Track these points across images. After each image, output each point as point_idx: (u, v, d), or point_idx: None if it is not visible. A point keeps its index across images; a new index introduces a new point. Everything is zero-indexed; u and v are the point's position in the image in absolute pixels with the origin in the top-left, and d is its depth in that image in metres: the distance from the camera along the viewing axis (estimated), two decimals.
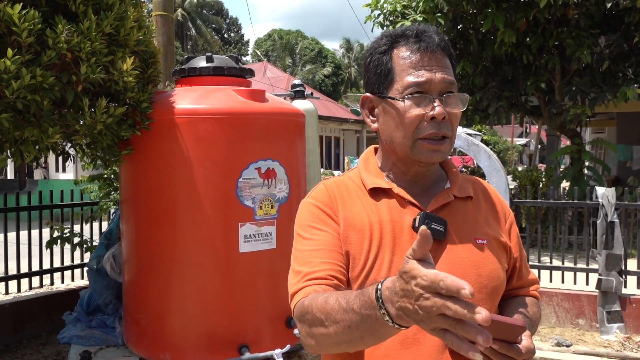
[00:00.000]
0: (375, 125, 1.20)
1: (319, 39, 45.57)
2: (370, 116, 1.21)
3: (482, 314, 0.70)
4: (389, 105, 1.14)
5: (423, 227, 0.77)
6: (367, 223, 1.13)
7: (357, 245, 1.11)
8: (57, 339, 3.90)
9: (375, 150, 1.27)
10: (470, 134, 17.17)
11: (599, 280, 4.64)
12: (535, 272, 5.12)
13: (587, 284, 4.93)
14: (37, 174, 17.83)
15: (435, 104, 1.09)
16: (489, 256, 1.14)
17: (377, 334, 0.87)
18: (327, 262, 1.07)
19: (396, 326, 0.82)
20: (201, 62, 3.38)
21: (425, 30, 1.14)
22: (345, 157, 23.30)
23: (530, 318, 1.18)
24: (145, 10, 3.48)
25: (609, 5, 6.37)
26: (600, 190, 4.83)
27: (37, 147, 2.85)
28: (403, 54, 1.12)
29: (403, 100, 1.10)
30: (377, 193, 1.18)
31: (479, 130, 28.35)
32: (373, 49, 1.18)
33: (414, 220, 1.11)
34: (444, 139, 1.11)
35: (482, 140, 27.79)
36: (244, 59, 42.95)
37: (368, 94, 1.19)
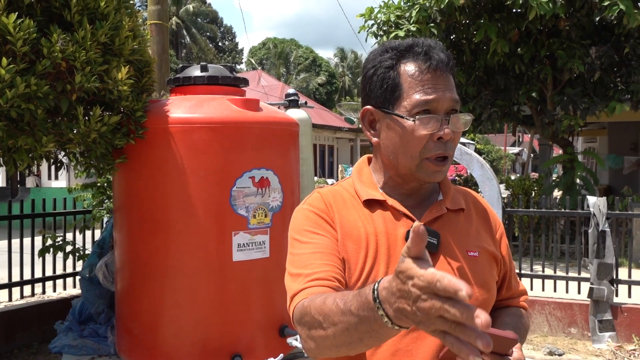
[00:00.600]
0: (375, 139, 1.17)
1: (313, 47, 45.74)
2: (371, 130, 1.18)
3: (481, 318, 0.68)
4: (394, 123, 1.12)
5: (416, 223, 0.74)
6: (364, 233, 1.13)
7: (353, 255, 1.11)
8: (48, 349, 3.87)
9: (369, 160, 1.26)
10: (463, 143, 17.25)
11: (591, 289, 4.67)
12: (527, 280, 5.17)
13: (579, 292, 4.96)
14: (30, 182, 17.73)
15: (444, 125, 1.10)
16: (481, 268, 1.15)
17: (377, 336, 0.86)
18: (327, 264, 1.06)
19: (396, 327, 0.80)
20: (196, 72, 3.40)
21: (432, 46, 1.13)
22: (339, 166, 23.33)
23: (519, 329, 1.19)
24: (140, 19, 3.50)
25: (597, 18, 6.46)
26: (591, 199, 4.87)
27: (30, 155, 2.85)
28: (411, 71, 1.11)
29: (413, 119, 1.09)
30: (371, 204, 1.17)
31: (473, 139, 28.49)
32: (378, 61, 1.15)
33: (407, 232, 1.11)
34: (445, 159, 1.12)
35: (476, 149, 27.94)
36: (238, 67, 43.05)
37: (370, 107, 1.16)
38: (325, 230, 1.12)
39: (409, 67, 1.12)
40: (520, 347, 1.04)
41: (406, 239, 1.11)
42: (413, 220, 1.15)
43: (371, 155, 1.27)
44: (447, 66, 1.12)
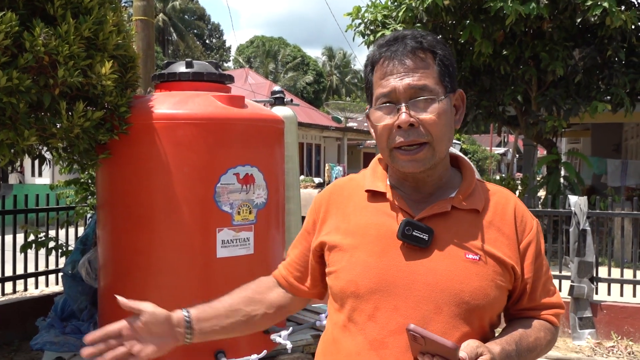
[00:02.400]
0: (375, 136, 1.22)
1: (301, 46, 45.71)
2: (372, 128, 1.21)
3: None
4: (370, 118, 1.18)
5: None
6: (353, 225, 1.18)
7: (335, 241, 1.20)
8: (29, 346, 3.84)
9: None
10: None
11: (571, 287, 4.74)
12: None
13: (559, 290, 5.03)
14: (12, 178, 17.49)
15: (401, 112, 1.09)
16: (478, 273, 1.11)
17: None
18: (289, 262, 1.38)
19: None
20: (181, 68, 3.39)
21: (402, 36, 1.13)
22: (326, 165, 23.35)
23: (527, 341, 1.14)
24: (126, 15, 3.48)
25: (578, 20, 6.55)
26: (572, 199, 4.94)
27: (12, 150, 2.83)
28: (377, 66, 1.14)
29: (376, 112, 1.13)
30: (374, 195, 1.21)
31: (459, 139, 28.69)
32: (366, 60, 1.21)
33: (400, 224, 1.12)
34: (421, 147, 1.10)
35: (462, 149, 28.13)
36: (225, 65, 42.88)
37: (368, 107, 1.21)
38: (307, 226, 1.33)
39: (377, 62, 1.15)
40: (492, 359, 1.02)
41: (398, 231, 1.12)
42: (409, 215, 1.15)
43: None
44: (411, 52, 1.10)
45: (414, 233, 1.10)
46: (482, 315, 1.12)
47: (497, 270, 1.12)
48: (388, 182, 1.21)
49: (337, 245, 1.19)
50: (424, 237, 1.10)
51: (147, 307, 1.21)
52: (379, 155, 1.28)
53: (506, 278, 1.14)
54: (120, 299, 1.21)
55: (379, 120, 1.13)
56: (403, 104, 1.09)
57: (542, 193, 9.42)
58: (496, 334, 1.17)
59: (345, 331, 1.16)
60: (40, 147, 3.22)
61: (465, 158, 1.27)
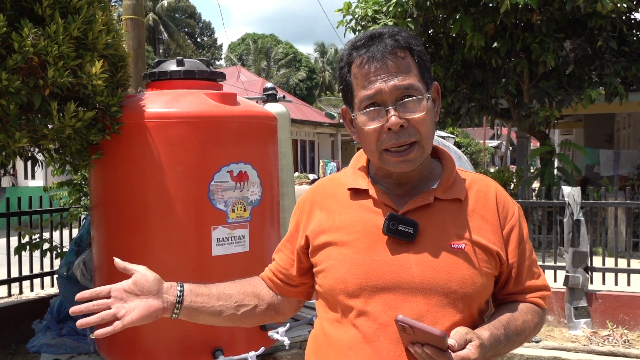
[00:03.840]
0: (355, 136, 1.22)
1: (292, 43, 45.71)
2: (352, 127, 1.22)
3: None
4: (355, 121, 1.17)
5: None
6: (338, 223, 1.19)
7: (321, 241, 1.21)
8: (26, 349, 3.82)
9: None
10: (443, 137, 17.42)
11: (566, 277, 4.77)
12: None
13: (555, 281, 5.06)
14: (5, 182, 17.40)
15: (390, 114, 1.09)
16: (465, 261, 1.12)
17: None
18: (275, 265, 1.37)
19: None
20: (172, 66, 3.37)
21: (378, 34, 1.13)
22: (320, 161, 23.37)
23: (514, 324, 1.16)
24: (116, 14, 3.46)
25: (569, 8, 6.56)
26: (566, 189, 4.97)
27: (3, 152, 2.81)
28: (356, 67, 1.13)
29: (356, 116, 1.14)
30: (356, 193, 1.21)
31: (452, 133, 28.74)
32: (339, 60, 1.20)
33: (384, 220, 1.13)
34: (412, 146, 1.11)
35: (455, 143, 28.20)
36: (217, 63, 42.75)
37: (344, 107, 1.21)
38: (292, 225, 1.33)
39: (356, 63, 1.13)
40: (479, 345, 1.04)
41: (383, 227, 1.13)
42: (393, 210, 1.16)
43: None
44: (390, 53, 1.10)
45: (399, 227, 1.11)
46: (470, 302, 1.13)
47: (482, 257, 1.14)
48: (370, 179, 1.22)
49: (323, 244, 1.20)
50: (409, 230, 1.11)
51: (139, 268, 1.23)
52: (358, 153, 1.30)
53: (492, 264, 1.16)
54: (117, 260, 1.24)
55: (365, 123, 1.12)
56: (391, 106, 1.10)
57: (536, 185, 9.46)
58: (485, 320, 1.18)
59: (337, 327, 1.17)
60: (31, 149, 3.20)
61: (444, 148, 1.28)
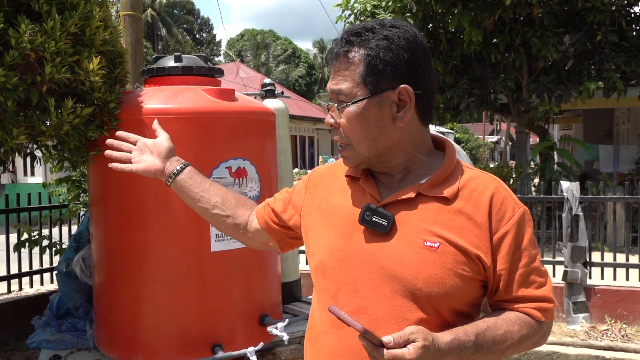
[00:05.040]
0: None
1: (291, 38, 45.65)
2: None
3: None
4: None
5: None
6: (331, 205, 1.25)
7: (311, 219, 1.30)
8: (25, 344, 3.83)
9: None
10: (442, 132, 17.41)
11: (565, 272, 4.78)
12: None
13: (553, 275, 5.07)
14: (5, 178, 17.40)
15: (327, 114, 1.21)
16: (435, 261, 1.10)
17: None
18: (273, 199, 1.49)
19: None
20: (170, 62, 3.37)
21: (344, 31, 1.16)
22: (320, 157, 23.36)
23: (491, 333, 1.09)
24: (113, 10, 3.45)
25: (569, 1, 6.55)
26: (565, 184, 4.97)
27: (1, 149, 2.81)
28: None
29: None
30: (352, 180, 1.27)
31: (452, 128, 28.72)
32: None
33: (362, 208, 1.18)
34: (346, 146, 1.19)
35: (455, 139, 28.18)
36: (216, 59, 42.66)
37: None
38: (294, 193, 1.43)
39: None
40: (424, 347, 0.99)
41: (359, 216, 1.17)
42: (375, 200, 1.20)
43: None
44: (339, 53, 1.14)
45: (373, 218, 1.13)
46: (436, 303, 1.10)
47: (458, 259, 1.10)
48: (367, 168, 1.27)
49: (312, 225, 1.28)
50: (383, 222, 1.13)
51: (163, 134, 1.57)
52: None
53: (472, 268, 1.11)
54: (155, 122, 1.63)
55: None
56: (326, 105, 1.19)
57: (536, 180, 9.47)
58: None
59: (317, 309, 1.25)
60: (30, 146, 3.20)
61: (453, 143, 1.29)
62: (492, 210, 1.13)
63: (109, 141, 1.55)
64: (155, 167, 1.49)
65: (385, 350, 0.97)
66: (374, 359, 0.99)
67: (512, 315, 1.13)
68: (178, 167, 1.51)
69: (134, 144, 1.54)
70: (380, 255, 1.13)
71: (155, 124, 1.60)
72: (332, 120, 1.19)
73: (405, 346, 0.98)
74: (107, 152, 1.53)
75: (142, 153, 1.51)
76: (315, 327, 1.24)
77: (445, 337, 1.04)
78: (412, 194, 1.14)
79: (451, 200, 1.13)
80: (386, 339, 0.98)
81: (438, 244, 1.10)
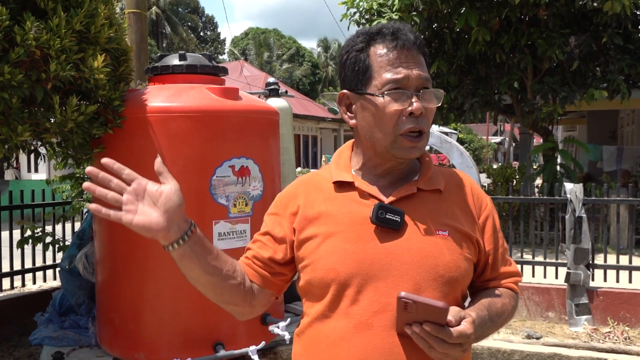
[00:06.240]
0: (353, 121, 1.24)
1: (295, 37, 45.54)
2: (348, 112, 1.25)
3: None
4: (367, 102, 1.19)
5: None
6: (325, 215, 1.21)
7: (308, 233, 1.21)
8: (28, 341, 3.84)
9: (353, 145, 1.32)
10: (446, 133, 17.38)
11: (568, 274, 4.77)
12: None
13: (556, 277, 5.06)
14: (8, 175, 17.44)
15: (413, 100, 1.15)
16: (449, 247, 1.17)
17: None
18: (252, 249, 1.32)
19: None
20: (174, 60, 3.37)
21: (400, 28, 1.18)
22: (323, 156, 23.36)
23: (495, 307, 1.21)
24: (118, 8, 3.46)
25: (578, 5, 6.52)
26: (568, 186, 4.95)
27: (6, 146, 2.81)
28: (380, 52, 1.17)
29: (382, 96, 1.15)
30: (341, 186, 1.24)
31: (455, 129, 28.68)
32: (350, 46, 1.22)
33: (372, 210, 1.17)
34: (421, 135, 1.17)
35: (458, 139, 28.14)
36: (220, 57, 42.69)
37: (345, 91, 1.23)
38: (273, 221, 1.30)
39: (378, 48, 1.18)
40: (473, 322, 1.09)
41: (371, 217, 1.16)
42: (379, 200, 1.20)
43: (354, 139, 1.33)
44: (415, 44, 1.17)
45: (387, 216, 1.15)
46: (456, 286, 1.18)
47: (464, 244, 1.20)
48: (353, 172, 1.26)
49: (310, 237, 1.21)
50: (397, 218, 1.16)
51: (173, 182, 1.13)
52: (339, 150, 1.33)
53: (472, 251, 1.22)
54: (158, 159, 1.15)
55: (388, 104, 1.16)
56: (415, 93, 1.16)
57: (539, 181, 9.44)
58: (465, 306, 1.23)
59: (326, 320, 1.18)
60: (34, 143, 3.21)
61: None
62: (473, 198, 1.26)
63: (91, 170, 1.11)
64: (157, 227, 1.10)
65: (451, 329, 1.04)
66: (439, 341, 1.04)
67: (499, 290, 1.27)
68: (188, 232, 1.14)
69: (128, 182, 1.12)
70: (397, 251, 1.15)
71: (160, 164, 1.15)
72: (422, 107, 1.15)
73: (460, 323, 1.07)
74: (86, 184, 1.10)
75: (140, 200, 1.11)
76: (326, 339, 1.17)
77: (472, 313, 1.13)
78: (414, 190, 1.20)
79: (443, 192, 1.23)
80: (448, 318, 1.05)
81: (447, 231, 1.18)
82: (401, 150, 1.17)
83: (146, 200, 1.11)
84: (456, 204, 1.23)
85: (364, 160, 1.25)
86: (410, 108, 1.14)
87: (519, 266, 5.23)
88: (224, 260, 1.22)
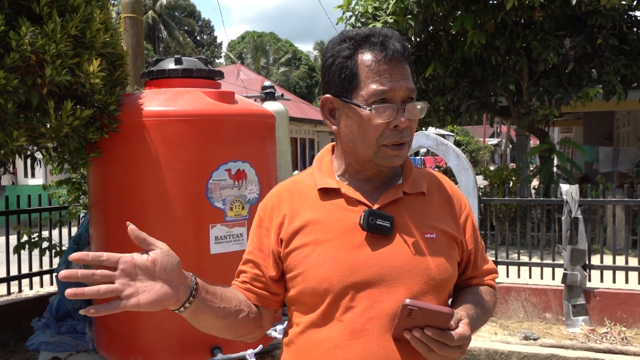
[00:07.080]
0: (335, 127, 1.22)
1: (292, 40, 45.68)
2: (331, 117, 1.22)
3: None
4: (352, 112, 1.17)
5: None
6: (311, 223, 1.18)
7: (296, 243, 1.18)
8: (25, 346, 3.83)
9: (333, 148, 1.30)
10: (443, 135, 17.40)
11: (564, 275, 4.78)
12: (503, 268, 5.26)
13: (553, 278, 5.07)
14: (5, 180, 17.39)
15: (400, 113, 1.14)
16: (438, 250, 1.18)
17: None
18: (246, 271, 1.26)
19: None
20: (170, 64, 3.38)
21: (389, 36, 1.16)
22: None
23: (482, 305, 1.25)
24: (114, 13, 3.46)
25: (574, 2, 6.53)
26: (564, 187, 4.97)
27: (2, 151, 2.81)
28: (368, 61, 1.14)
29: (369, 109, 1.13)
30: (326, 193, 1.22)
31: (452, 131, 28.72)
32: (336, 50, 1.18)
33: (360, 217, 1.15)
34: (402, 145, 1.17)
35: (455, 141, 28.19)
36: (217, 61, 42.71)
37: (329, 96, 1.20)
38: (259, 233, 1.26)
39: (366, 57, 1.16)
40: (468, 323, 1.11)
41: (360, 223, 1.15)
42: (367, 206, 1.19)
43: (334, 143, 1.30)
44: (403, 56, 1.16)
45: (377, 222, 1.15)
46: (445, 288, 1.20)
47: (450, 245, 1.21)
48: (337, 177, 1.23)
49: (298, 246, 1.18)
50: (386, 224, 1.15)
51: (161, 244, 1.04)
52: (319, 155, 1.30)
53: (456, 252, 1.24)
54: (131, 226, 1.03)
55: (374, 117, 1.14)
56: (401, 105, 1.15)
57: (535, 183, 9.46)
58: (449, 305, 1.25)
59: (319, 329, 1.16)
60: (30, 147, 3.21)
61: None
62: (453, 199, 1.28)
63: (66, 274, 0.97)
64: (167, 297, 1.02)
65: (452, 332, 1.06)
66: (440, 344, 1.05)
67: (483, 288, 1.30)
68: (193, 286, 1.08)
69: (112, 267, 1.01)
70: (389, 256, 1.15)
71: (136, 230, 1.04)
72: (407, 120, 1.14)
73: (458, 326, 1.09)
74: (71, 290, 0.97)
75: (134, 279, 1.01)
76: (320, 347, 1.14)
77: (462, 313, 1.15)
78: (400, 194, 1.20)
79: (426, 195, 1.24)
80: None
81: (435, 234, 1.19)
82: (384, 159, 1.17)
83: (141, 275, 1.02)
84: (439, 206, 1.24)
85: (345, 165, 1.23)
86: (395, 122, 1.14)
87: (515, 268, 5.28)
88: (228, 296, 1.18)
